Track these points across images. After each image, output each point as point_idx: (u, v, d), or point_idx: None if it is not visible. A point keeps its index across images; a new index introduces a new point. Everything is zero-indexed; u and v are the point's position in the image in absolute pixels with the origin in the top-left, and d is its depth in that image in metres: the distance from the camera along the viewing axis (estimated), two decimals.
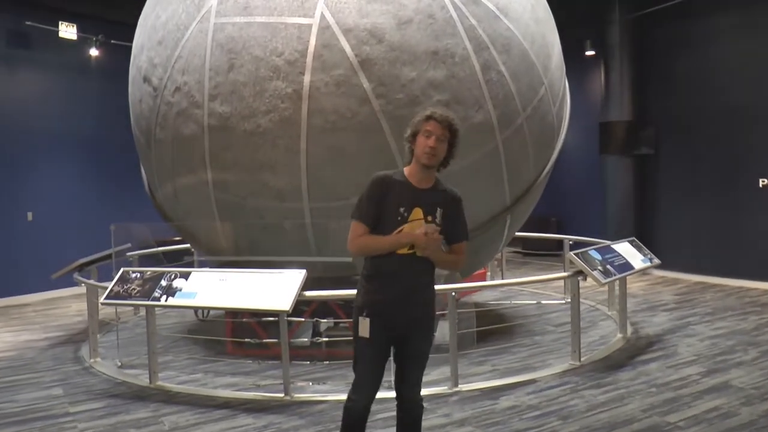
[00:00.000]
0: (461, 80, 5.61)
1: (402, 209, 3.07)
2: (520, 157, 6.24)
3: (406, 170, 3.19)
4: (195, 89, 5.72)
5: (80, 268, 7.13)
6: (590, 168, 12.07)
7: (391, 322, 3.11)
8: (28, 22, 9.81)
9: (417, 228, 3.04)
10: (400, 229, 3.05)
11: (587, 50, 11.48)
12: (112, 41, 10.42)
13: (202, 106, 5.70)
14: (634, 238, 6.86)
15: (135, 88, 6.50)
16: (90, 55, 10.55)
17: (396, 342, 3.19)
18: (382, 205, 3.08)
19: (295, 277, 4.76)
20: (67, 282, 7.75)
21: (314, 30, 5.36)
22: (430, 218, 3.09)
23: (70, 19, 10.21)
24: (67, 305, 9.36)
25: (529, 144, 6.26)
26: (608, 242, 6.46)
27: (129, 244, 8.16)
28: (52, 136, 10.38)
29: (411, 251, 3.07)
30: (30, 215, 10.21)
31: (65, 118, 10.56)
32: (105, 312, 6.87)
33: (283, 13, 5.42)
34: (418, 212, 3.08)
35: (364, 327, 3.09)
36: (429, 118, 3.10)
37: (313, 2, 5.39)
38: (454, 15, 5.55)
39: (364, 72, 5.38)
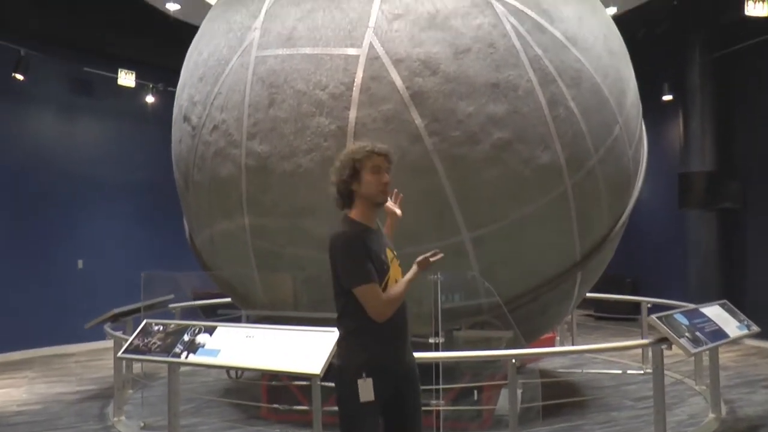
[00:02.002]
0: (525, 116, 4.99)
1: (383, 257, 2.83)
2: (592, 205, 5.52)
3: (355, 217, 2.88)
4: (233, 127, 5.30)
5: (115, 319, 6.71)
6: (669, 223, 11.09)
7: (391, 377, 2.80)
8: (87, 69, 9.82)
9: (395, 269, 2.86)
10: (387, 276, 2.79)
11: (665, 94, 10.65)
12: (169, 88, 10.34)
13: (240, 146, 5.26)
14: (726, 301, 5.95)
15: (176, 128, 6.17)
16: (146, 102, 10.50)
17: (388, 402, 2.79)
18: (371, 261, 2.77)
19: (330, 336, 4.14)
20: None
21: (362, 61, 4.88)
22: (395, 252, 2.94)
23: (129, 67, 10.18)
24: (110, 357, 8.98)
25: (601, 190, 5.54)
26: (695, 306, 5.59)
27: (172, 295, 7.76)
28: (105, 183, 10.31)
29: None
30: (80, 263, 10.04)
31: (119, 164, 10.50)
32: (147, 366, 6.41)
33: (329, 43, 4.97)
34: (389, 253, 2.89)
35: (366, 389, 2.68)
36: (373, 152, 2.82)
37: (362, 31, 4.92)
38: (517, 44, 4.98)
39: (416, 106, 4.83)
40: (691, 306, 5.64)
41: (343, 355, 2.87)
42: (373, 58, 4.86)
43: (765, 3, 8.09)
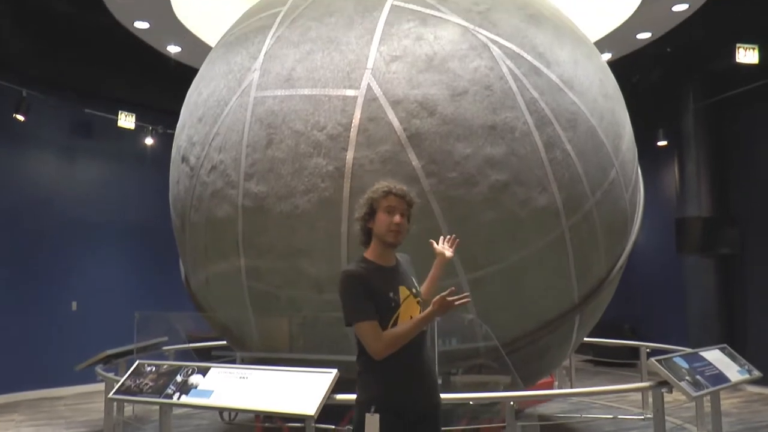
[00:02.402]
0: (522, 158, 5.01)
1: (391, 294, 2.83)
2: (590, 248, 5.50)
3: (368, 255, 2.93)
4: (231, 167, 5.30)
5: (107, 360, 6.61)
6: (667, 269, 11.06)
7: (405, 418, 2.77)
8: (87, 110, 9.90)
9: (411, 307, 2.85)
10: (396, 314, 2.80)
11: (660, 140, 10.74)
12: (168, 130, 10.40)
13: (237, 186, 5.25)
14: (726, 345, 5.88)
15: (174, 169, 6.18)
16: (145, 144, 10.55)
17: None
18: (371, 299, 2.79)
19: (325, 377, 4.07)
20: None
21: (360, 102, 4.91)
22: (414, 290, 2.94)
23: (129, 109, 10.27)
24: (101, 400, 8.81)
25: (599, 233, 5.52)
26: (695, 350, 5.52)
27: (166, 338, 7.67)
28: (102, 225, 10.30)
29: None
30: (74, 304, 9.95)
31: (117, 206, 10.50)
32: (139, 408, 6.28)
33: (328, 84, 5.01)
34: (404, 291, 2.88)
35: (372, 424, 2.68)
36: (388, 193, 2.89)
37: (360, 73, 4.96)
38: (514, 86, 5.03)
39: (413, 148, 4.85)
40: (691, 350, 5.57)
41: (358, 391, 2.89)
42: (371, 99, 4.90)
43: (755, 51, 8.25)
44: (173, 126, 6.50)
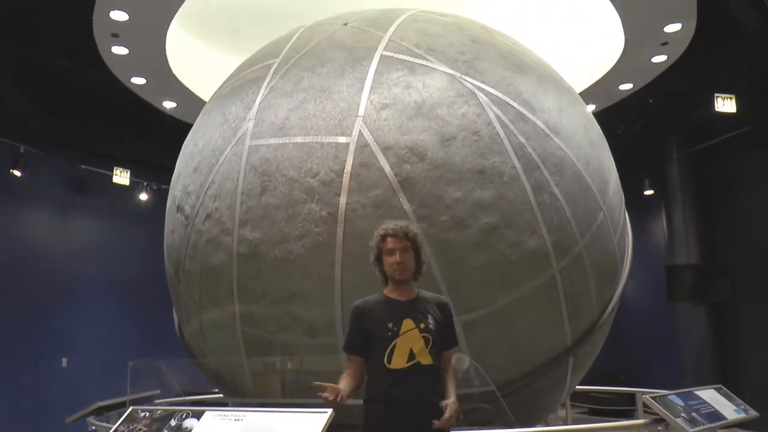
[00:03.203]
0: (511, 201, 5.12)
1: (390, 324, 3.08)
2: (581, 290, 5.56)
3: (385, 291, 3.29)
4: (226, 215, 5.39)
5: (99, 412, 6.53)
6: (659, 317, 11.13)
7: None
8: (83, 166, 10.04)
9: (412, 339, 3.04)
10: (393, 344, 3.04)
11: (646, 189, 10.97)
12: (163, 186, 10.53)
13: (232, 233, 5.33)
14: (721, 385, 5.90)
15: (169, 219, 6.25)
16: (140, 200, 10.66)
17: None
18: (367, 331, 3.15)
19: (320, 418, 4.06)
20: None
21: (352, 148, 5.04)
22: (423, 325, 3.09)
23: (124, 165, 10.42)
24: None
25: (589, 275, 5.60)
26: (690, 388, 5.54)
27: (158, 391, 7.58)
28: (93, 281, 10.32)
29: (409, 364, 3.02)
30: (65, 361, 9.85)
31: (109, 262, 10.55)
32: None
33: (320, 132, 5.16)
34: (408, 323, 3.09)
35: None
36: (384, 236, 3.22)
37: (351, 120, 5.12)
38: (501, 132, 5.18)
39: (404, 192, 4.96)
40: (686, 389, 5.59)
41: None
42: (362, 145, 5.03)
43: (733, 100, 8.54)
44: (167, 181, 6.65)
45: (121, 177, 10.42)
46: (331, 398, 3.06)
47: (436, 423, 2.95)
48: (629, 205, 6.92)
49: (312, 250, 5.01)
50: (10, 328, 9.23)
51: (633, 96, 9.41)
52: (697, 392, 5.42)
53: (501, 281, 5.11)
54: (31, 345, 9.36)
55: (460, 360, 5.16)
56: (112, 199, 10.58)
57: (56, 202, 10.22)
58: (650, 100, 9.64)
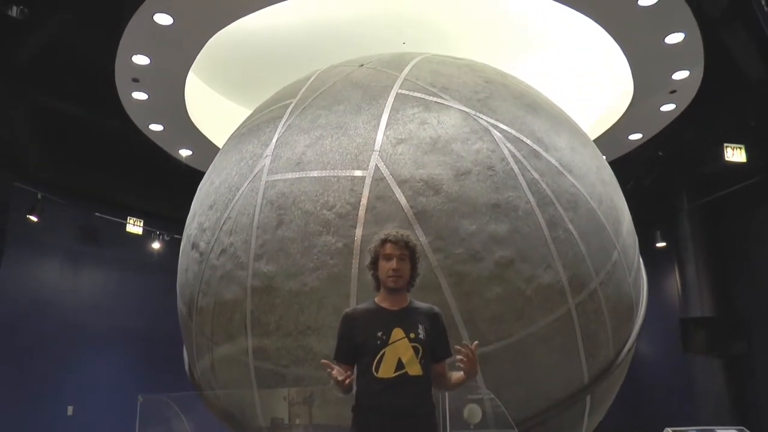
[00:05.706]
0: (525, 236, 5.13)
1: (380, 333, 3.05)
2: (597, 328, 5.50)
3: (376, 299, 3.25)
4: (241, 249, 5.41)
5: None
6: (675, 371, 10.93)
7: None
8: (97, 214, 10.14)
9: (401, 349, 3.00)
10: (381, 353, 3.00)
11: (657, 241, 10.96)
12: (175, 236, 10.60)
13: (246, 267, 5.34)
14: (743, 428, 5.76)
15: (183, 257, 6.28)
16: (152, 249, 10.71)
17: None
18: (355, 339, 3.14)
19: None
20: None
21: (368, 182, 5.11)
22: (413, 335, 3.05)
23: (138, 215, 10.53)
24: None
25: (605, 313, 5.55)
26: (712, 427, 5.42)
27: None
28: (102, 329, 10.30)
29: (396, 373, 2.97)
30: (70, 409, 9.71)
31: (119, 311, 10.54)
32: None
33: (336, 166, 5.24)
34: (398, 332, 3.05)
35: None
36: (385, 241, 3.19)
37: (367, 155, 5.20)
38: (515, 167, 5.25)
39: (419, 224, 4.99)
40: (707, 427, 5.46)
41: None
42: (378, 179, 5.10)
43: (742, 150, 8.62)
44: (180, 231, 6.72)
45: (135, 226, 10.52)
46: (340, 378, 2.97)
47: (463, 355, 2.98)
48: (642, 257, 6.90)
49: (327, 281, 5.01)
50: (17, 374, 9.15)
51: (642, 148, 9.52)
52: (718, 430, 5.30)
53: (516, 315, 5.07)
54: (38, 391, 9.25)
55: (473, 412, 5.08)
56: (124, 248, 10.65)
57: (68, 250, 10.29)
58: (660, 153, 9.74)
